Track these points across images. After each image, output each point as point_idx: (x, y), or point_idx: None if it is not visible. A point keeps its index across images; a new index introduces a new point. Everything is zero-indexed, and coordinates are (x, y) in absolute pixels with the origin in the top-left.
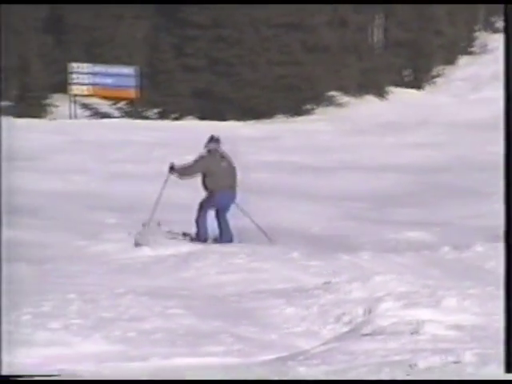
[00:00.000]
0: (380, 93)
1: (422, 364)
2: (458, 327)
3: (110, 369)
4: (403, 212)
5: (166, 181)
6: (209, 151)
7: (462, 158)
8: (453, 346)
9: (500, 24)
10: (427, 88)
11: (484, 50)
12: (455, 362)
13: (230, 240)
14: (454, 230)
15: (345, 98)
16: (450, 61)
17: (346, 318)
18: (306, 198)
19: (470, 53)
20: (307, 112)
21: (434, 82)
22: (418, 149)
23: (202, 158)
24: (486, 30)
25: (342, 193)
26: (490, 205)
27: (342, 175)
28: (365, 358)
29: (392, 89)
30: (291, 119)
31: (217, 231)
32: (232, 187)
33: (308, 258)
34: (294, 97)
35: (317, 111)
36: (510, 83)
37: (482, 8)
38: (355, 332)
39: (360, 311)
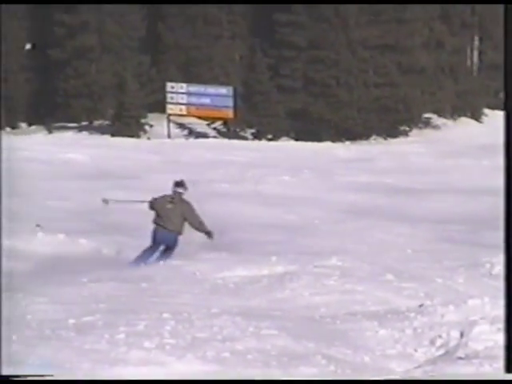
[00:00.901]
0: (475, 115)
1: None
2: None
3: None
4: (499, 235)
5: None
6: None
7: None
8: None
9: None
10: None
11: None
12: None
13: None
14: None
15: (440, 120)
16: None
17: (439, 342)
18: (400, 220)
19: None
20: (402, 133)
21: None
22: None
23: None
24: None
25: (437, 215)
26: None
27: (437, 197)
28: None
29: (487, 111)
30: (386, 141)
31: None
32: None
33: (402, 280)
34: (390, 118)
35: (412, 133)
36: (510, 83)
37: None
38: (449, 355)
39: (454, 334)
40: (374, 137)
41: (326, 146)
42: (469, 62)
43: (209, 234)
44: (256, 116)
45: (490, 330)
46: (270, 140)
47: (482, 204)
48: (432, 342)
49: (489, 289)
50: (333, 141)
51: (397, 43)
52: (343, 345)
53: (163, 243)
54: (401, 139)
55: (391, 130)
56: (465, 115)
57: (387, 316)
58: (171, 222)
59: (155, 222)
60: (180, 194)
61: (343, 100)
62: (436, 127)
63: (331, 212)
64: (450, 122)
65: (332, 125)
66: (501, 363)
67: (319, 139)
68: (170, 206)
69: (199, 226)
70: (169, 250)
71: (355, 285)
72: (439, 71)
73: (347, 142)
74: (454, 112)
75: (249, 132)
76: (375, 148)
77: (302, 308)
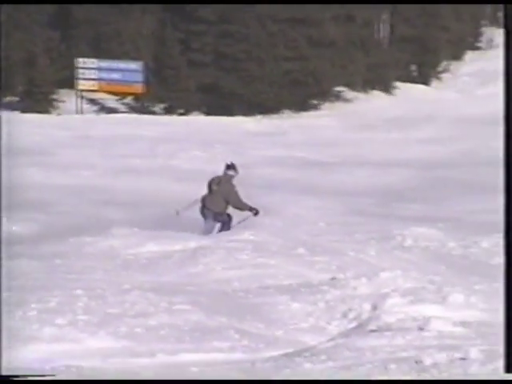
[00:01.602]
0: (386, 88)
1: (428, 361)
2: (464, 323)
3: (117, 365)
4: (409, 207)
5: None
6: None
7: (468, 153)
8: (459, 342)
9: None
10: (434, 83)
11: (491, 45)
12: (461, 359)
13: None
14: (461, 226)
15: (351, 94)
16: (457, 56)
17: (352, 314)
18: (313, 193)
19: (477, 48)
20: (314, 107)
21: (441, 78)
22: (425, 144)
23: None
24: (492, 24)
25: (349, 188)
26: (496, 200)
27: (349, 170)
28: (371, 354)
29: (398, 84)
30: (298, 114)
31: None
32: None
33: (314, 253)
34: (301, 92)
35: (323, 106)
36: (510, 83)
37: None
38: (362, 328)
39: (366, 307)
40: (285, 111)
41: (238, 120)
42: (379, 35)
43: (252, 210)
44: (167, 91)
45: (401, 303)
46: (181, 115)
47: (393, 176)
48: (344, 315)
49: (400, 261)
50: (244, 115)
51: (306, 17)
52: (256, 319)
53: (209, 219)
54: (312, 113)
55: (302, 104)
56: (376, 88)
57: (300, 290)
58: (213, 202)
59: (202, 200)
60: (230, 176)
61: (254, 74)
62: (347, 100)
63: (243, 186)
64: (361, 95)
65: (243, 99)
66: (413, 335)
67: (230, 113)
68: (215, 187)
69: (241, 208)
70: (224, 225)
71: (268, 259)
72: (349, 44)
73: (258, 116)
74: (365, 85)
75: (160, 107)
76: (286, 122)
77: (214, 282)
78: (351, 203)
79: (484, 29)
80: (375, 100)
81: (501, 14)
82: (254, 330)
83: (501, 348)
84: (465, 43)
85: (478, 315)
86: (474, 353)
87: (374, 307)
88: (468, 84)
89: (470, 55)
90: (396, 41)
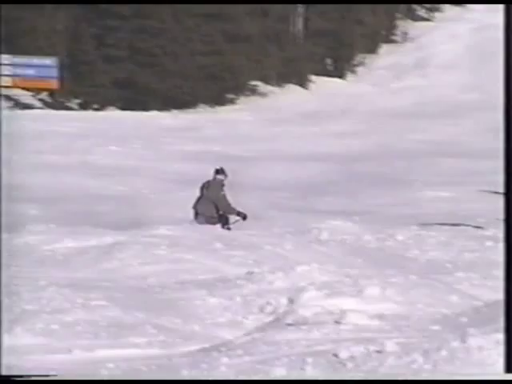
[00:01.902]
0: (302, 82)
1: (344, 354)
2: (380, 316)
3: (33, 362)
4: (326, 201)
5: None
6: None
7: (383, 147)
8: (375, 335)
9: (421, 12)
10: (349, 77)
11: (405, 38)
12: (377, 352)
13: None
14: (376, 219)
15: (267, 88)
16: (372, 50)
17: (269, 308)
18: (228, 188)
19: (392, 41)
20: (229, 101)
21: (356, 71)
22: (340, 138)
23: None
24: (407, 18)
25: (265, 182)
26: (411, 193)
27: (265, 165)
28: (288, 348)
29: (314, 78)
30: (214, 109)
31: None
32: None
33: (230, 247)
34: (217, 86)
35: (239, 101)
36: (510, 83)
37: None
38: (278, 322)
39: (283, 301)
40: (201, 105)
41: (154, 115)
42: (294, 29)
43: (240, 214)
44: (82, 86)
45: (318, 296)
46: (96, 110)
47: (309, 170)
48: (261, 309)
49: (317, 255)
50: (160, 110)
51: (221, 11)
52: (173, 314)
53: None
54: (228, 107)
55: (218, 98)
56: (291, 82)
57: (216, 284)
58: (203, 207)
59: (194, 206)
60: (220, 180)
61: (169, 69)
62: (263, 94)
63: (160, 181)
64: (276, 89)
65: (159, 94)
66: (330, 329)
67: (146, 108)
68: (205, 191)
69: (229, 212)
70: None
71: (184, 254)
72: (265, 39)
73: (174, 111)
74: (281, 79)
75: (75, 102)
76: (203, 116)
77: (131, 278)
78: (267, 197)
79: (398, 22)
80: (291, 94)
81: (415, 7)
82: (171, 325)
83: (417, 340)
84: (379, 36)
85: (393, 308)
86: (390, 345)
87: (291, 301)
88: (383, 77)
89: (384, 48)
90: (311, 35)
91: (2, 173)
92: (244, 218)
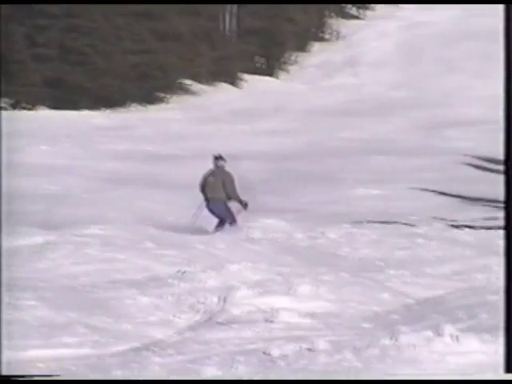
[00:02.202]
0: (233, 81)
1: (276, 352)
2: (311, 314)
3: None
4: (258, 199)
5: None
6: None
7: (315, 145)
8: (306, 333)
9: (352, 10)
10: (281, 75)
11: (336, 36)
12: (309, 350)
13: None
14: (308, 217)
15: (198, 86)
16: (303, 48)
17: (200, 307)
18: (161, 187)
19: (323, 39)
20: (161, 100)
21: (287, 69)
22: (272, 136)
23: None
24: (338, 16)
25: (197, 181)
26: (343, 191)
27: (197, 163)
28: (219, 347)
29: (246, 76)
30: (145, 108)
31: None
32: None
33: (162, 247)
34: (148, 85)
35: (170, 99)
36: (510, 83)
37: None
38: (210, 321)
39: (215, 300)
40: (132, 104)
41: (85, 114)
42: (225, 27)
43: (241, 203)
44: (12, 85)
45: (249, 295)
46: (27, 109)
47: (240, 169)
48: (193, 308)
49: (249, 253)
50: (91, 109)
51: (152, 10)
52: (104, 313)
53: (215, 215)
54: (159, 106)
55: (150, 97)
56: (223, 81)
57: (148, 283)
58: (214, 191)
59: (206, 199)
60: (222, 166)
61: (100, 68)
62: (194, 93)
63: (91, 181)
64: (208, 88)
65: (90, 93)
66: (261, 327)
67: (77, 107)
68: (211, 178)
69: (232, 196)
70: (222, 221)
71: (116, 253)
72: (196, 37)
73: (106, 110)
74: (212, 78)
75: (5, 101)
76: (134, 115)
77: (62, 278)
78: (199, 196)
79: (330, 20)
80: (222, 92)
81: (345, 5)
82: (103, 324)
83: (348, 338)
84: (311, 34)
85: (325, 306)
86: (321, 343)
87: (223, 300)
88: (314, 75)
89: (315, 47)
90: (242, 33)
91: None
92: (246, 205)
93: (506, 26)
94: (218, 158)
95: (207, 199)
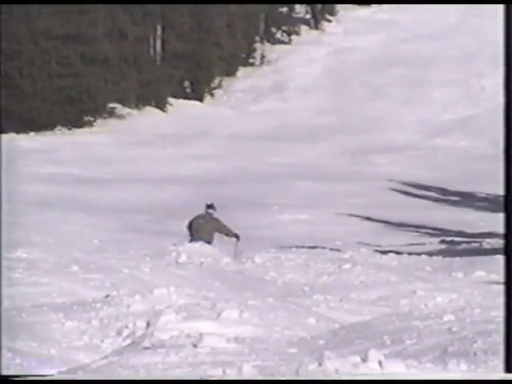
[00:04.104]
0: (160, 105)
1: (201, 377)
2: (237, 339)
3: None
4: (184, 223)
5: None
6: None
7: (242, 170)
8: (232, 358)
9: (279, 35)
10: (207, 100)
11: (263, 61)
12: (234, 375)
13: None
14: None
15: (125, 110)
16: (230, 72)
17: (126, 332)
18: (86, 211)
19: (250, 64)
20: (87, 124)
21: (214, 94)
22: (199, 160)
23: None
24: (265, 41)
25: (123, 205)
26: (270, 216)
27: (123, 187)
28: (145, 371)
29: (172, 101)
30: (71, 131)
31: None
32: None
33: (88, 270)
34: (74, 109)
35: (97, 123)
36: (510, 84)
37: (261, 19)
38: (135, 345)
39: (140, 324)
40: (58, 127)
41: (10, 137)
42: (152, 52)
43: (236, 236)
44: None
45: (175, 319)
46: None
47: (167, 193)
48: (119, 333)
49: (175, 278)
50: (17, 132)
51: (79, 33)
52: (29, 338)
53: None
54: (85, 129)
55: (76, 121)
56: (149, 104)
57: (73, 307)
58: (203, 232)
59: (191, 235)
60: (211, 213)
61: (26, 91)
62: (121, 117)
63: (16, 204)
64: (134, 112)
65: (16, 116)
66: (187, 352)
67: (3, 131)
68: (202, 221)
69: (229, 233)
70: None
71: (41, 277)
72: (122, 61)
73: (32, 133)
74: (139, 101)
75: None
76: (60, 139)
77: None
78: (126, 220)
79: (257, 45)
80: (149, 116)
81: (274, 31)
82: (27, 348)
83: (274, 363)
84: (237, 59)
85: (251, 331)
86: (247, 368)
87: (148, 324)
88: (241, 100)
89: (242, 71)
90: (169, 57)
91: None
92: (238, 237)
93: (506, 26)
94: (209, 206)
95: (192, 236)
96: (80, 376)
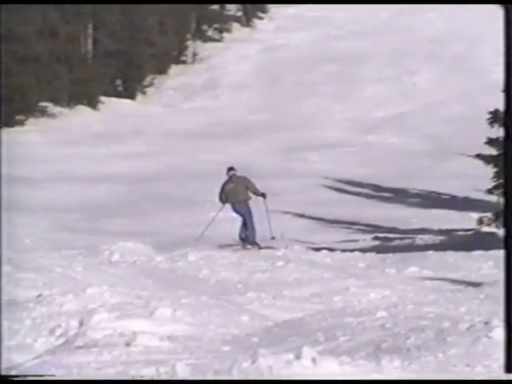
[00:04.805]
0: (92, 103)
1: (134, 376)
2: (171, 338)
3: None
4: (117, 222)
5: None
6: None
7: (174, 167)
8: (166, 357)
9: (211, 33)
10: (139, 98)
11: (195, 59)
12: (168, 373)
13: (252, 239)
14: (168, 240)
15: (57, 109)
16: (162, 70)
17: (59, 331)
18: (19, 210)
19: (182, 62)
20: (19, 123)
21: (146, 92)
22: (130, 159)
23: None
24: (197, 39)
25: (56, 204)
26: (203, 213)
27: (55, 186)
28: (78, 370)
29: (104, 99)
30: (2, 130)
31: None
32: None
33: (20, 270)
34: (6, 108)
35: (28, 122)
36: (510, 84)
37: (193, 17)
38: (68, 345)
39: (73, 324)
40: None
41: None
42: (83, 50)
43: (263, 195)
44: None
45: (108, 318)
46: None
47: (99, 192)
48: (51, 332)
49: (108, 276)
50: None
51: (10, 32)
52: None
53: (239, 214)
54: (17, 128)
55: (7, 120)
56: (81, 103)
57: (6, 307)
58: (237, 195)
59: (229, 202)
60: (234, 174)
61: None
62: (52, 116)
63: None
64: (66, 111)
65: None
66: (120, 351)
67: None
68: (231, 185)
69: (256, 191)
70: (246, 220)
71: None
72: (54, 60)
73: None
74: (71, 100)
75: None
76: None
77: None
78: (59, 219)
79: (188, 43)
80: (80, 115)
81: (205, 28)
82: None
83: (208, 361)
84: (169, 57)
85: (184, 329)
86: (180, 367)
87: (81, 323)
88: (173, 98)
89: (174, 69)
90: (101, 55)
91: None
92: (264, 196)
93: (506, 27)
94: (230, 168)
95: (232, 203)
96: (80, 376)
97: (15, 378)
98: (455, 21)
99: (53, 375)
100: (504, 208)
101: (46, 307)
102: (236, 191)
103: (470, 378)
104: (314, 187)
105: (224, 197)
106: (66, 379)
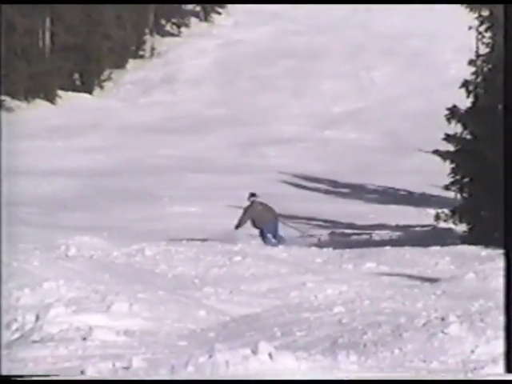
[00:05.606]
0: (49, 97)
1: (91, 370)
2: (127, 332)
3: None
4: (73, 216)
5: None
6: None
7: (132, 162)
8: (122, 351)
9: (169, 27)
10: (97, 92)
11: (153, 53)
12: (124, 368)
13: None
14: (125, 234)
15: (14, 103)
16: (120, 65)
17: (15, 325)
18: None
19: (140, 56)
20: None
21: (104, 86)
22: (88, 153)
23: (247, 209)
24: (155, 33)
25: (11, 198)
26: (160, 208)
27: (11, 180)
28: (34, 365)
29: (61, 93)
30: None
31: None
32: (269, 220)
33: None
34: None
35: None
36: (510, 83)
37: (151, 11)
38: (24, 339)
39: (30, 318)
40: None
41: None
42: (41, 44)
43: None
44: None
45: (65, 313)
46: None
47: (56, 185)
48: (7, 326)
49: (64, 271)
50: None
51: None
52: None
53: (269, 232)
54: None
55: None
56: (38, 97)
57: None
58: (267, 215)
59: (258, 226)
60: (255, 199)
61: None
62: (9, 109)
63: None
64: (23, 104)
65: None
66: (77, 345)
67: None
68: (260, 207)
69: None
70: (276, 235)
71: None
72: (11, 53)
73: None
74: (28, 94)
75: None
76: None
77: None
78: (15, 213)
79: (146, 37)
80: (38, 109)
81: (163, 23)
82: None
83: (164, 356)
84: (127, 51)
85: (141, 324)
86: (136, 361)
87: (37, 318)
88: (131, 92)
89: (132, 64)
90: (58, 49)
91: None
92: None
93: (505, 27)
94: (253, 194)
95: (263, 222)
96: (80, 376)
97: (15, 378)
98: (412, 17)
99: (55, 375)
100: (504, 208)
101: (3, 301)
102: (265, 213)
103: (470, 378)
104: (270, 182)
105: (252, 223)
106: (66, 379)
